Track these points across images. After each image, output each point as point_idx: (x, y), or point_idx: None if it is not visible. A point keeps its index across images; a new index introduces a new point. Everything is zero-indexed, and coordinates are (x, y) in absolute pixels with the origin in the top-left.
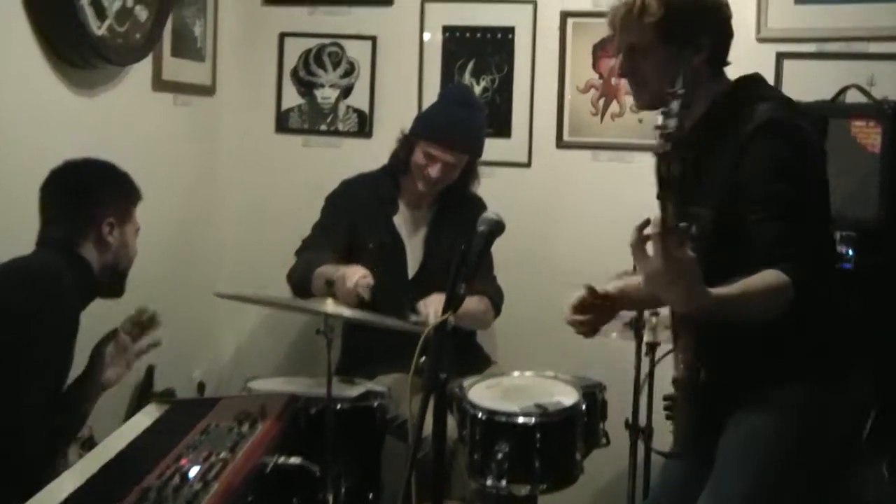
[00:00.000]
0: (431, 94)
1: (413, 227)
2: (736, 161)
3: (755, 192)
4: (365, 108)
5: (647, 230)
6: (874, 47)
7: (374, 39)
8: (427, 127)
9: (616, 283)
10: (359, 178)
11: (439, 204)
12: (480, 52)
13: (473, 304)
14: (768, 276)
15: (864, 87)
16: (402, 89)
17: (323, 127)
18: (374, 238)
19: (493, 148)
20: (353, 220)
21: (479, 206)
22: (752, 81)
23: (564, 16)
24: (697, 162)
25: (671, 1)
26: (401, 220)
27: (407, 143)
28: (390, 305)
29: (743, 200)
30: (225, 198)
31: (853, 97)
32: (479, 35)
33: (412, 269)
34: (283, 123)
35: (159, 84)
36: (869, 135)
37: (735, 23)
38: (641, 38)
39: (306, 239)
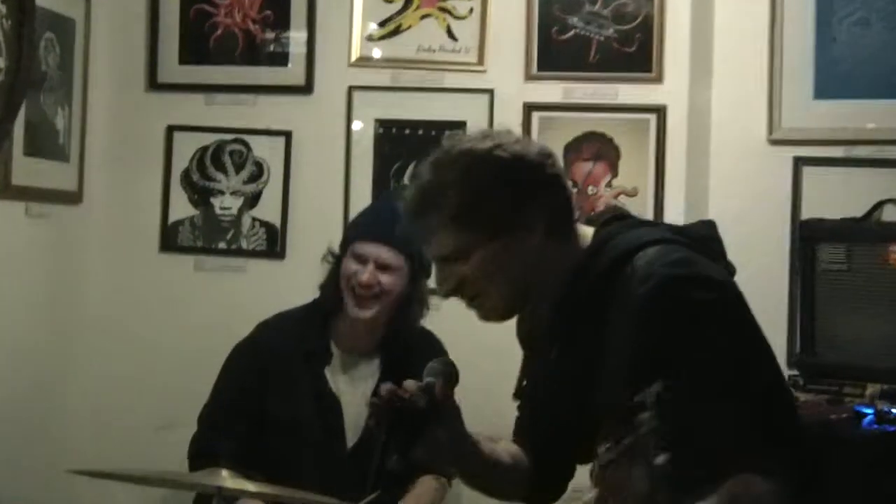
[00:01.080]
0: (360, 205)
1: (353, 382)
2: (629, 350)
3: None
4: (276, 221)
5: None
6: None
7: (288, 135)
8: (356, 227)
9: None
10: (276, 320)
11: (385, 350)
12: (423, 154)
13: (425, 494)
14: (749, 485)
15: None
16: (324, 198)
17: (222, 245)
18: (298, 401)
19: None
20: (268, 381)
21: (435, 346)
22: (614, 224)
23: (528, 109)
24: (570, 359)
25: (471, 179)
26: (336, 373)
27: (337, 265)
28: (323, 487)
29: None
30: (90, 339)
31: (890, 214)
32: (420, 132)
33: (351, 437)
34: (170, 240)
35: (8, 190)
36: None
37: (742, 121)
38: (450, 241)
39: (202, 415)
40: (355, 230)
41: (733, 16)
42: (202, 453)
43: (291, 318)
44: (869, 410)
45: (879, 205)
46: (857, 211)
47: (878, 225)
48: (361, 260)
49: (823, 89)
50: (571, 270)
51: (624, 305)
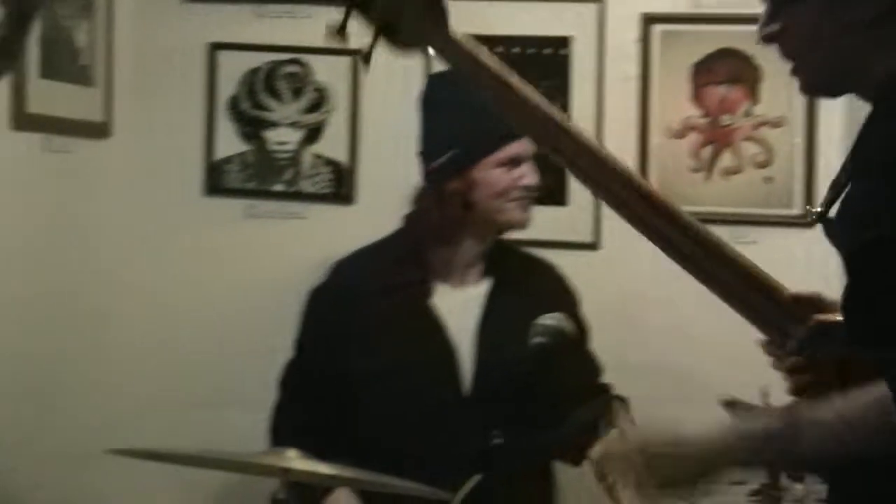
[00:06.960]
0: None
1: (458, 316)
2: None
3: None
4: (343, 158)
5: None
6: None
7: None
8: (477, 136)
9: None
10: (359, 255)
11: (492, 273)
12: (518, 74)
13: None
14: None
15: None
16: (401, 130)
17: (278, 187)
18: (400, 344)
19: (541, 221)
20: (358, 325)
21: (551, 275)
22: None
23: (648, 21)
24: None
25: None
26: (441, 306)
27: (445, 187)
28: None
29: None
30: (119, 301)
31: None
32: (516, 49)
33: (467, 378)
34: (215, 181)
35: (22, 119)
36: None
37: None
38: None
39: (284, 377)
40: (493, 134)
41: None
42: (284, 424)
43: (374, 253)
44: None
45: None
46: None
47: None
48: (515, 162)
49: None
50: None
51: None
